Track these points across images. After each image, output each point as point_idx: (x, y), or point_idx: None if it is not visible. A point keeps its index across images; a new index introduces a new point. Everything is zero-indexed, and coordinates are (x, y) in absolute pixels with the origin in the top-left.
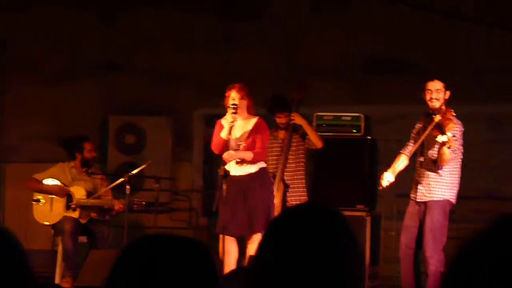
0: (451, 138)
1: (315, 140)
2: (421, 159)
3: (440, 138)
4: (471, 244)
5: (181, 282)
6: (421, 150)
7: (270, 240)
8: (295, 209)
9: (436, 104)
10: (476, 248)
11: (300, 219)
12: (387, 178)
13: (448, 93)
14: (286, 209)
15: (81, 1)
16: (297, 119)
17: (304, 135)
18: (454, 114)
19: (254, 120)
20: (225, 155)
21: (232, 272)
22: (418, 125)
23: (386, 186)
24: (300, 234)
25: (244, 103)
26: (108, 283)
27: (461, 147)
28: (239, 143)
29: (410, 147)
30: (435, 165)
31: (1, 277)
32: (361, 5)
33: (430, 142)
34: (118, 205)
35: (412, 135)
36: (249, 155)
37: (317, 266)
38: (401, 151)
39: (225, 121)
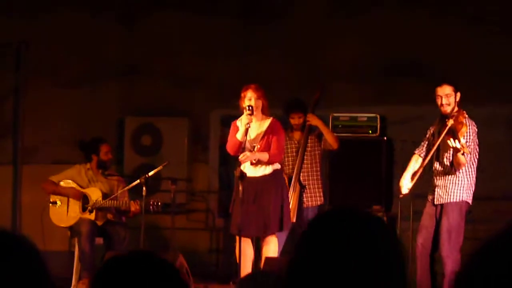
0: (464, 144)
1: (331, 141)
2: (437, 162)
3: (452, 144)
4: (485, 247)
5: None
6: (437, 154)
7: (306, 245)
8: (332, 213)
9: (447, 109)
10: (490, 251)
11: (339, 223)
12: (406, 185)
13: (459, 94)
14: (321, 213)
15: (101, 5)
16: (313, 120)
17: (320, 136)
18: (466, 115)
19: (268, 121)
20: (241, 157)
21: (248, 276)
22: (432, 128)
23: (406, 193)
24: (339, 239)
25: (260, 103)
26: None
27: (476, 148)
28: (254, 144)
29: (424, 148)
30: (451, 167)
31: (20, 284)
32: (379, 9)
33: (444, 146)
34: (134, 207)
35: (427, 136)
36: (265, 156)
37: (356, 273)
38: (415, 151)
39: (241, 123)
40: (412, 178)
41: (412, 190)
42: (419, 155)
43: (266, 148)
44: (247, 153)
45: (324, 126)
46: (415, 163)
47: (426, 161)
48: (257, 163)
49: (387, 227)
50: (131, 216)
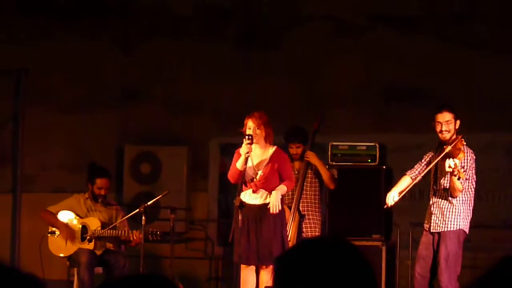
0: (459, 169)
1: (327, 182)
2: (434, 189)
3: (447, 163)
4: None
5: None
6: (434, 180)
7: (283, 273)
8: (309, 242)
9: (446, 135)
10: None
11: (314, 253)
12: (392, 197)
13: (458, 122)
14: (299, 243)
15: (100, 31)
16: (311, 159)
17: (317, 173)
18: (464, 143)
19: (272, 149)
20: (272, 209)
21: None
22: (430, 153)
23: (391, 205)
24: (315, 267)
25: (261, 132)
26: None
27: (474, 176)
28: (257, 171)
29: (416, 170)
30: (448, 195)
31: None
32: (379, 34)
33: (442, 172)
34: (136, 236)
35: (422, 160)
36: (284, 189)
37: None
38: (406, 173)
39: (242, 151)
40: (399, 195)
41: (411, 218)
42: (410, 176)
43: (269, 176)
44: (273, 199)
45: (322, 166)
46: (404, 182)
47: (416, 181)
48: (258, 191)
49: (355, 252)
50: (133, 246)
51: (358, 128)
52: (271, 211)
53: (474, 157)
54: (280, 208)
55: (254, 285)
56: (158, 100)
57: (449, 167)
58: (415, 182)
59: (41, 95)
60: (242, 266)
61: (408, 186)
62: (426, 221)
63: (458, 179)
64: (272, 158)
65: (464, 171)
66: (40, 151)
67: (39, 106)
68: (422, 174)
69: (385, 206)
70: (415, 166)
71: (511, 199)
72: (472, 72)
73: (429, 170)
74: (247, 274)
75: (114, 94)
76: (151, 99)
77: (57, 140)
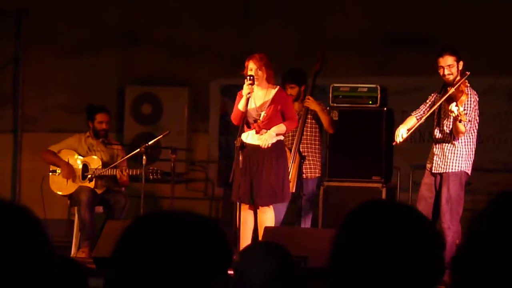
0: (461, 112)
1: (327, 127)
2: (437, 130)
3: (450, 108)
4: (477, 218)
5: (191, 257)
6: (437, 122)
7: (346, 237)
8: (371, 204)
9: (449, 78)
10: (482, 221)
11: (380, 215)
12: (402, 133)
13: (461, 63)
14: (360, 205)
15: None
16: (311, 105)
17: (317, 117)
18: (468, 84)
19: (274, 90)
20: (263, 144)
21: (249, 247)
22: (434, 94)
23: (400, 142)
24: (380, 231)
25: (263, 73)
26: (114, 255)
27: (476, 117)
28: (260, 112)
29: (421, 111)
30: (450, 136)
31: (22, 256)
32: None
33: (445, 113)
34: (120, 174)
35: (426, 101)
36: (282, 128)
37: (397, 265)
38: (411, 113)
39: (243, 92)
40: (407, 131)
41: (411, 160)
42: (415, 116)
43: (272, 117)
44: (266, 135)
45: (321, 111)
46: (410, 121)
47: (421, 121)
48: (261, 131)
49: (423, 217)
50: (120, 182)
51: (359, 71)
52: (261, 145)
53: (477, 99)
54: (270, 144)
55: (253, 225)
56: (159, 42)
57: (451, 112)
58: (420, 122)
59: (43, 37)
60: (242, 206)
61: (414, 125)
62: (428, 162)
63: (460, 122)
64: (274, 98)
65: (466, 113)
66: (41, 92)
67: (40, 48)
68: (427, 115)
69: (393, 143)
70: (420, 107)
71: (511, 143)
72: (474, 16)
73: (433, 111)
74: (247, 215)
75: (116, 37)
76: (152, 41)
77: (58, 81)
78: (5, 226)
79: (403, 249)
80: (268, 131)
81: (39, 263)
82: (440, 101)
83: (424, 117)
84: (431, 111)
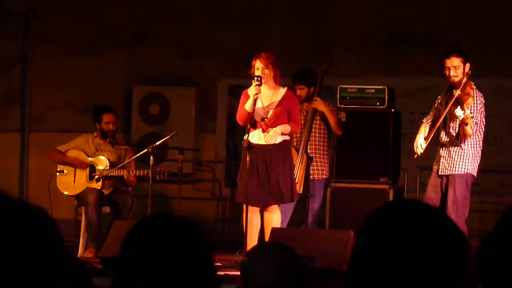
0: (468, 115)
1: (335, 128)
2: (443, 132)
3: (457, 112)
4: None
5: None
6: (443, 124)
7: (368, 238)
8: (395, 205)
9: (455, 79)
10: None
11: (404, 216)
12: (420, 143)
13: (468, 65)
14: (385, 205)
15: None
16: (319, 106)
17: (325, 118)
18: (474, 87)
19: (283, 91)
20: (267, 139)
21: (256, 247)
22: (440, 97)
23: (421, 153)
24: (404, 232)
25: (270, 72)
26: (121, 255)
27: (483, 119)
28: (268, 110)
29: (432, 117)
30: (456, 138)
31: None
32: None
33: (451, 116)
34: (127, 175)
35: (435, 105)
36: (287, 128)
37: (422, 267)
38: (423, 120)
39: (250, 93)
40: (425, 140)
41: (418, 162)
42: (427, 123)
43: (279, 117)
44: (272, 132)
45: (329, 112)
46: (425, 129)
47: (434, 129)
48: (268, 131)
49: (448, 218)
50: (127, 182)
51: (366, 72)
52: (266, 141)
53: (483, 101)
54: (274, 141)
55: (259, 226)
56: (167, 41)
57: (458, 116)
58: (435, 128)
59: (50, 37)
60: (249, 207)
61: (430, 132)
62: (435, 164)
63: (466, 125)
64: (283, 100)
65: (472, 116)
66: (48, 92)
67: (48, 47)
68: (440, 121)
69: (415, 156)
70: (430, 113)
71: None
72: (481, 15)
73: (440, 114)
74: (253, 215)
75: (124, 36)
76: (160, 40)
77: (66, 80)
78: (22, 226)
79: (429, 251)
80: (273, 128)
81: (54, 264)
82: (449, 106)
83: (436, 127)
84: (441, 118)
